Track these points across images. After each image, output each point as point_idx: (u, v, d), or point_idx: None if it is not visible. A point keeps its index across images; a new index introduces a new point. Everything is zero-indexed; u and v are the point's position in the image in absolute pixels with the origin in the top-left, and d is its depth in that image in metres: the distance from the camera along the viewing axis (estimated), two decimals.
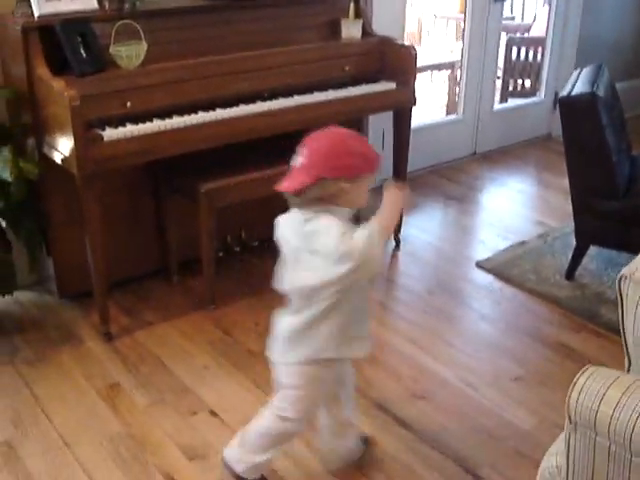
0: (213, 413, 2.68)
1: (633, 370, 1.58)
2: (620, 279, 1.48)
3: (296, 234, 1.97)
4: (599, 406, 1.38)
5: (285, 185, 1.94)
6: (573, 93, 3.33)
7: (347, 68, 3.56)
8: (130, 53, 2.98)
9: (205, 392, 2.79)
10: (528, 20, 7.01)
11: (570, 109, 3.33)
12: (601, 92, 3.35)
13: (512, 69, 6.29)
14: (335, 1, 3.71)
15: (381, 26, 3.98)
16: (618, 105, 3.70)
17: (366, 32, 3.74)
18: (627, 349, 1.57)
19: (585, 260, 3.66)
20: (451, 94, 6.18)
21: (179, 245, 3.45)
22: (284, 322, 2.08)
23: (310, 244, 1.92)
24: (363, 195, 1.97)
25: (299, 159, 1.93)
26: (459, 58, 5.37)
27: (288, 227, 2.02)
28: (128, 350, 3.04)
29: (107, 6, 3.10)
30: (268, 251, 3.75)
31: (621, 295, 1.49)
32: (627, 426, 1.35)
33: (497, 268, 3.76)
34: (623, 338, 1.57)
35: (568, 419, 1.44)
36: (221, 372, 2.90)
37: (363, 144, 1.97)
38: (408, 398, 2.80)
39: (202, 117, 3.05)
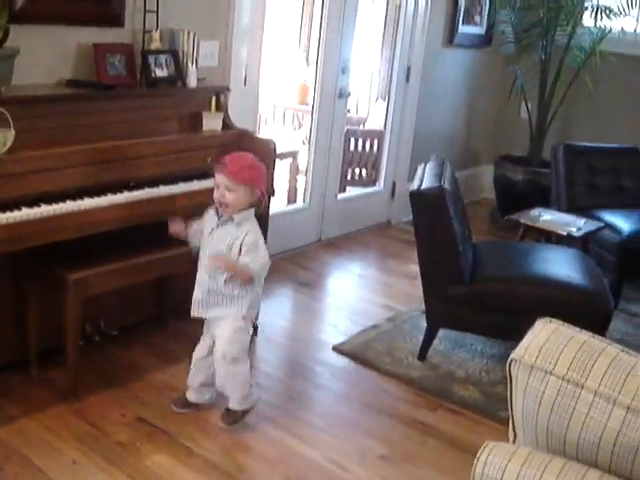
0: None
1: (519, 441, 1.74)
2: (510, 363, 1.65)
3: None
4: (502, 478, 1.52)
5: None
6: (422, 187, 3.59)
7: (209, 160, 3.66)
8: None
9: None
10: (362, 114, 7.42)
11: (420, 202, 3.58)
12: (447, 185, 3.63)
13: (350, 159, 6.60)
14: (197, 94, 3.83)
15: (236, 118, 4.13)
16: (460, 196, 4.01)
17: (226, 124, 3.88)
18: (514, 425, 1.74)
19: (434, 341, 3.88)
20: (292, 182, 6.37)
21: (38, 335, 3.34)
22: None
23: None
24: None
25: None
26: (299, 148, 5.57)
27: None
28: None
29: None
30: (130, 340, 3.74)
31: (511, 377, 1.66)
32: None
33: (352, 351, 3.90)
34: (511, 415, 1.74)
35: None
36: (93, 467, 2.82)
37: None
38: None
39: (70, 206, 3.04)
